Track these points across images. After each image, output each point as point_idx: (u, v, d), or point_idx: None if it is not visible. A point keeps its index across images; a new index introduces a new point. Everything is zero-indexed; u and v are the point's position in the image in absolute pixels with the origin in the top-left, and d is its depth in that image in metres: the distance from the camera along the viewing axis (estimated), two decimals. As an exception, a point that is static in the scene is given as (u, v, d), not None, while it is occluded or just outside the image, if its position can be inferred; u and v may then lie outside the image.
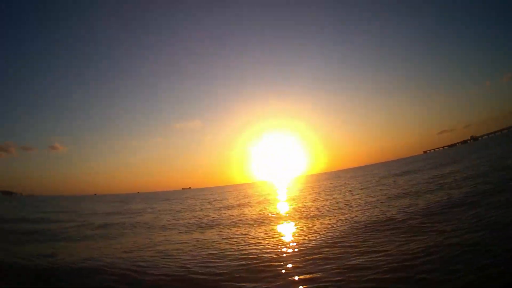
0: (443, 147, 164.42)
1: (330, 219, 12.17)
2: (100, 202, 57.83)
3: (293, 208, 18.00)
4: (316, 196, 24.03)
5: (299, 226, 11.68)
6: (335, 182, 41.72)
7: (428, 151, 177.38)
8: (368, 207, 13.66)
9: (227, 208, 23.46)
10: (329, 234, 9.38)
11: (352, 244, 7.94)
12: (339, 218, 11.98)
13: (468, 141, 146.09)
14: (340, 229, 9.98)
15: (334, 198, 20.19)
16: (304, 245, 8.43)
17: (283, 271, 6.59)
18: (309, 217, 13.45)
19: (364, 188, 24.67)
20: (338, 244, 8.07)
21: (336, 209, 14.68)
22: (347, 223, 10.72)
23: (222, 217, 17.59)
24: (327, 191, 27.61)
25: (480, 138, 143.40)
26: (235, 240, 10.46)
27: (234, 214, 18.35)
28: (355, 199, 17.79)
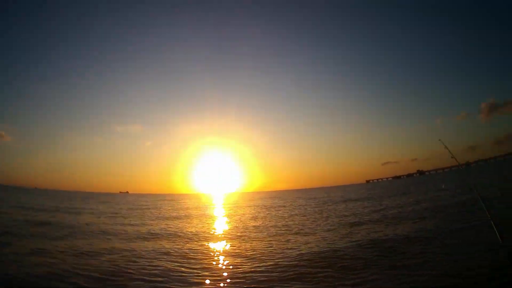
0: (387, 178, 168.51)
1: (270, 240, 12.56)
2: (41, 196, 55.60)
3: (232, 226, 18.27)
4: (254, 215, 24.46)
5: (236, 245, 11.88)
6: (273, 202, 42.50)
7: (371, 181, 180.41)
8: (307, 231, 14.17)
9: (167, 218, 23.28)
10: (264, 254, 9.95)
11: (282, 264, 8.54)
12: (277, 239, 12.63)
13: (414, 175, 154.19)
14: (274, 250, 10.58)
15: (272, 219, 20.76)
16: (242, 260, 9.04)
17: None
18: (246, 237, 13.91)
19: (304, 211, 25.29)
20: (272, 265, 8.60)
21: (274, 230, 15.22)
22: (282, 245, 11.29)
23: (162, 227, 17.53)
24: (265, 211, 28.12)
25: (427, 173, 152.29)
26: (175, 252, 10.72)
27: (174, 226, 18.37)
28: (294, 222, 18.32)
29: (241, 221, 20.63)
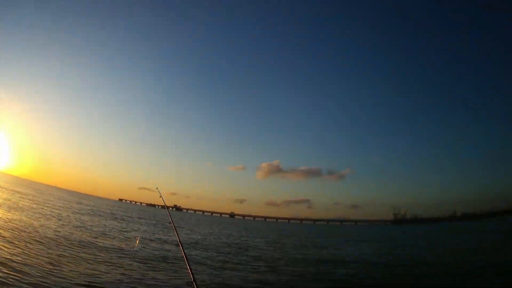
0: (140, 203, 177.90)
1: None
2: None
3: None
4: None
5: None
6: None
7: (124, 200, 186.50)
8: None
9: None
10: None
11: None
12: None
13: (172, 208, 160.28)
14: None
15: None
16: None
17: None
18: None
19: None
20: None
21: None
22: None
23: None
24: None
25: (184, 210, 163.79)
26: None
27: None
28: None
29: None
